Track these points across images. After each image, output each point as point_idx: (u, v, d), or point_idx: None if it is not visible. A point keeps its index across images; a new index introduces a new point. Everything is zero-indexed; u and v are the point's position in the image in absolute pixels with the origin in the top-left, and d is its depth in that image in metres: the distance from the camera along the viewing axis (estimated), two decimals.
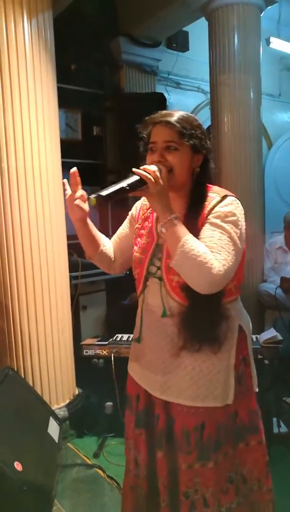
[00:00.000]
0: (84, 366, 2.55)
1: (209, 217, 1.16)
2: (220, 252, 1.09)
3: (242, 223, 1.17)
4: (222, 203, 1.17)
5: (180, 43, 4.58)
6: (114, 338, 2.44)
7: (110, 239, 1.45)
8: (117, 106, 3.83)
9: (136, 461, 1.41)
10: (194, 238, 1.10)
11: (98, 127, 3.95)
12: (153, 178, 1.10)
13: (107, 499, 1.93)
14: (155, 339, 1.26)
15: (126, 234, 1.41)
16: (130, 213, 1.43)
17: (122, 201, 1.37)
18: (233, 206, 1.16)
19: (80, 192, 1.22)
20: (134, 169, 1.13)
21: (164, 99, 3.85)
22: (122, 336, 2.46)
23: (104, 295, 3.56)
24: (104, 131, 3.89)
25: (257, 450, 1.30)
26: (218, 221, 1.14)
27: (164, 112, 1.22)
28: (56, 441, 2.07)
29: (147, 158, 1.21)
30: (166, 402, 1.26)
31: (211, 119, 3.55)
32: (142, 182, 1.12)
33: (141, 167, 1.13)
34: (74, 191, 1.22)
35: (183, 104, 4.84)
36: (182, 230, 1.10)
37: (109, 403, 2.54)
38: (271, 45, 4.19)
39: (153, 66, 4.43)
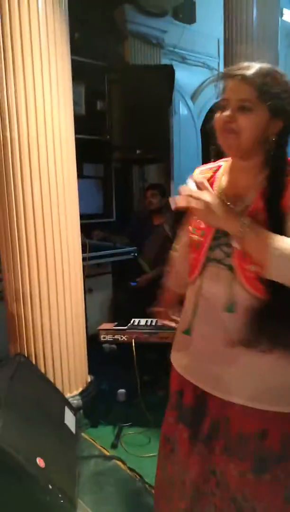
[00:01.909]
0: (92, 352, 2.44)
1: None
2: None
3: None
4: None
5: (187, 14, 4.37)
6: (131, 322, 2.31)
7: None
8: (123, 79, 3.63)
9: (174, 457, 1.25)
10: (283, 237, 0.92)
11: (102, 101, 3.75)
12: (204, 205, 0.95)
13: (130, 492, 1.83)
14: (210, 332, 1.10)
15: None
16: None
17: None
18: None
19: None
20: (171, 200, 0.97)
21: (173, 72, 3.64)
22: (139, 320, 2.33)
23: (110, 278, 3.42)
24: (109, 105, 3.68)
25: None
26: None
27: (243, 64, 1.01)
28: (74, 432, 1.95)
29: (216, 117, 1.02)
30: (220, 399, 1.10)
31: None
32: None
33: (181, 194, 0.97)
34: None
35: (188, 80, 4.64)
36: (263, 234, 0.93)
37: (122, 390, 2.44)
38: (284, 17, 4.01)
39: (158, 37, 4.21)
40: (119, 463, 2.01)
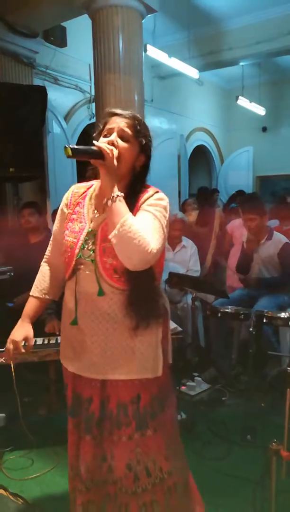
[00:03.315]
0: None
1: (143, 206, 1.27)
2: (153, 234, 1.21)
3: (168, 216, 1.30)
4: (155, 196, 1.31)
5: (58, 37, 4.48)
6: None
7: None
8: None
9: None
10: (134, 218, 1.20)
11: None
12: (111, 153, 1.20)
13: None
14: (91, 321, 1.31)
15: (62, 232, 1.40)
16: (60, 207, 1.44)
17: None
18: (164, 201, 1.31)
19: None
20: (95, 142, 1.22)
21: (45, 94, 3.68)
22: None
23: None
24: None
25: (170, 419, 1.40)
26: (151, 209, 1.26)
27: (119, 109, 1.33)
28: None
29: (99, 141, 1.27)
30: (101, 382, 1.33)
31: (96, 117, 3.54)
32: (99, 155, 1.19)
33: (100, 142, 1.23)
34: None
35: (61, 100, 4.74)
36: (126, 208, 1.20)
37: (1, 415, 2.34)
38: (148, 53, 4.36)
39: (30, 57, 4.23)
40: (1, 490, 1.92)
